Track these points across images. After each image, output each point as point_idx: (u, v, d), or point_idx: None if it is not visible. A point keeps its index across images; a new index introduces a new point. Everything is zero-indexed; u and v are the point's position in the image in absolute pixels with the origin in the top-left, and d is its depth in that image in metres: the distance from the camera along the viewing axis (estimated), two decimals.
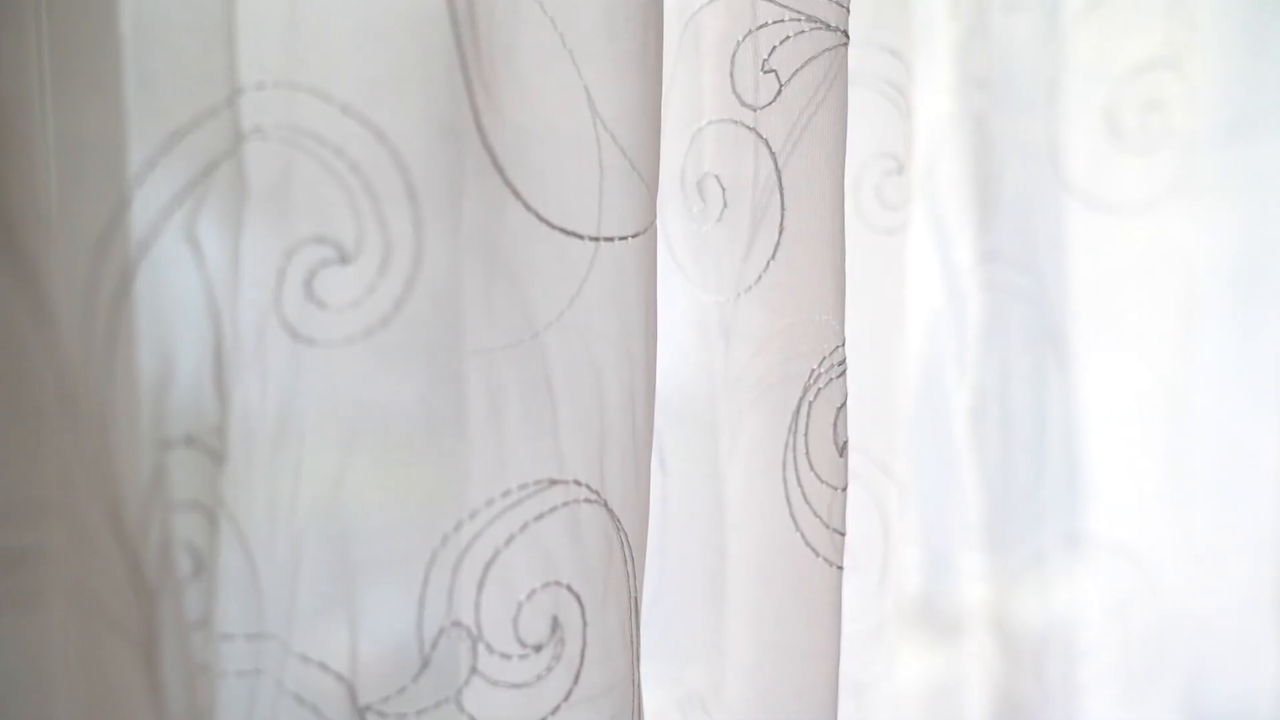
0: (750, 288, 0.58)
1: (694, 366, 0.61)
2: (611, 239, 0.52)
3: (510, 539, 0.51)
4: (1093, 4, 0.76)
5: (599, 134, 0.52)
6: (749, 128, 0.57)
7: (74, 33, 0.42)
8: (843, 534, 0.59)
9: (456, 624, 0.50)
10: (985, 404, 0.76)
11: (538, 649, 0.51)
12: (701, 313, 0.60)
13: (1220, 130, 0.88)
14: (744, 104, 0.57)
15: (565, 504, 0.52)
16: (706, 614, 0.62)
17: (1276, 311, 1.01)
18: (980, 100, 0.73)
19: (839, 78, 0.57)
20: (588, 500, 0.52)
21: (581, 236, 0.52)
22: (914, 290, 0.71)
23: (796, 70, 0.56)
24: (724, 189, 0.58)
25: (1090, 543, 0.81)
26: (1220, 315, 0.90)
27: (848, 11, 0.57)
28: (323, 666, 0.49)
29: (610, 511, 0.53)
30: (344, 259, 0.48)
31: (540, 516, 0.51)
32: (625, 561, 0.54)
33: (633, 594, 0.55)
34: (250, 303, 0.47)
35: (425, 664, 0.50)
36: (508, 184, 0.50)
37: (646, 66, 0.53)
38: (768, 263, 0.58)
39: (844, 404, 0.58)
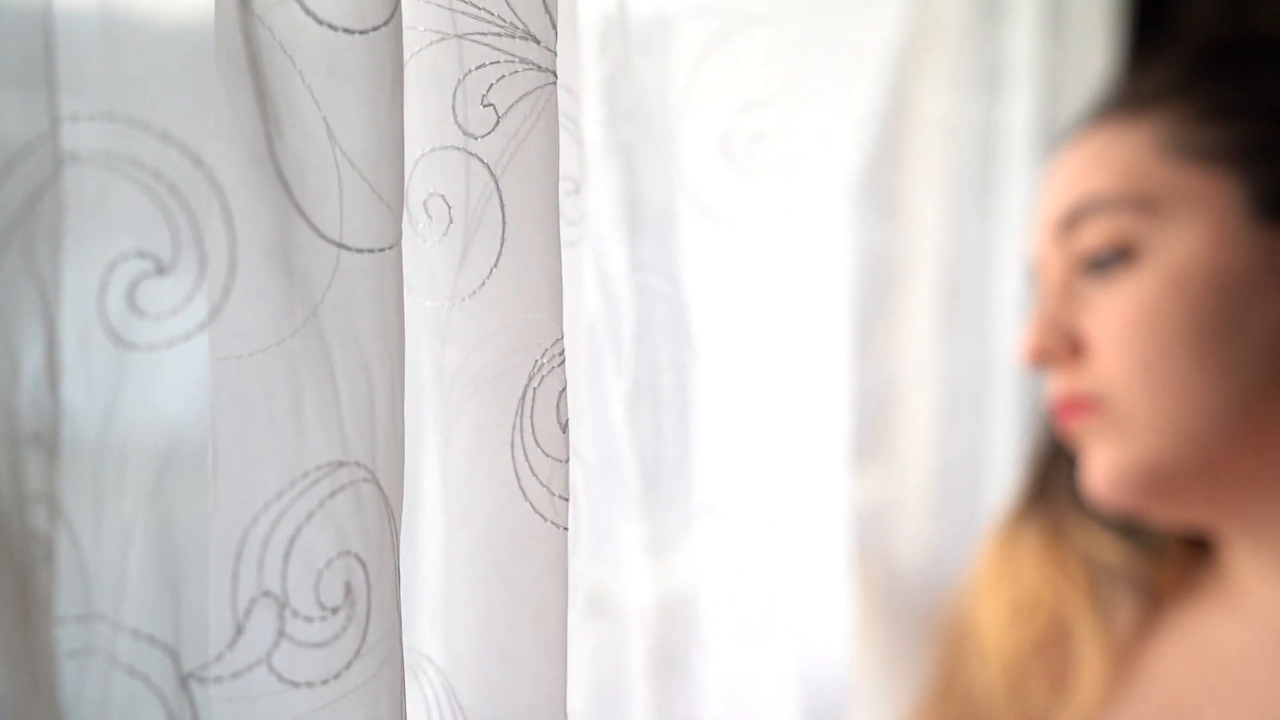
0: (474, 293, 0.67)
1: (414, 365, 0.69)
2: (372, 250, 0.60)
3: (310, 515, 0.57)
4: (704, 53, 0.89)
5: (338, 159, 0.59)
6: (470, 153, 0.66)
7: None
8: (566, 499, 0.69)
9: (266, 593, 0.56)
10: (639, 394, 0.87)
11: (335, 611, 0.58)
12: (420, 316, 0.68)
13: (805, 158, 1.05)
14: (466, 133, 0.66)
15: (351, 483, 0.59)
16: (434, 583, 0.70)
17: (839, 309, 1.20)
18: (626, 130, 0.85)
19: (548, 107, 0.66)
20: (365, 480, 0.60)
21: (348, 248, 0.59)
22: (588, 295, 0.82)
23: (513, 104, 0.66)
24: (449, 206, 0.66)
25: (721, 512, 0.94)
26: (801, 313, 1.07)
27: (555, 55, 0.66)
28: (152, 640, 0.54)
29: (381, 490, 0.60)
30: (162, 270, 0.53)
31: (333, 494, 0.58)
32: (393, 534, 0.62)
33: (397, 562, 0.62)
34: (76, 312, 0.52)
35: (239, 631, 0.56)
36: (294, 203, 0.57)
37: (380, 101, 0.60)
38: (491, 270, 0.66)
39: (565, 389, 0.68)
